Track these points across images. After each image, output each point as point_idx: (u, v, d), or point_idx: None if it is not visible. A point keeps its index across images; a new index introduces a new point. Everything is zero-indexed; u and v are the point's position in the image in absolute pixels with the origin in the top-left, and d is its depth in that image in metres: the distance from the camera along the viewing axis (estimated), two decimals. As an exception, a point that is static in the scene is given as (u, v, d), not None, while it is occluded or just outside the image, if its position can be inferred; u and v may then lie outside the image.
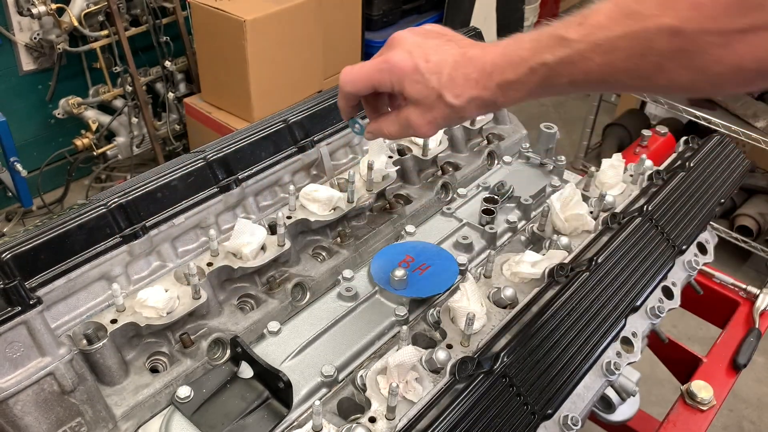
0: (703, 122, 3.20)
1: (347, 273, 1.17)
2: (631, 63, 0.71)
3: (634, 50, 0.70)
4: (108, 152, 3.40)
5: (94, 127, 3.35)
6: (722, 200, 1.44)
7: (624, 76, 0.73)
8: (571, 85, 0.78)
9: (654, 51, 0.69)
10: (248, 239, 1.07)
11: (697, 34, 0.65)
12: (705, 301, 1.62)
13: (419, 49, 0.87)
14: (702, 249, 1.44)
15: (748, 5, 0.63)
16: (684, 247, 1.30)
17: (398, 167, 1.35)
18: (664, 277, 1.27)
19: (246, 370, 0.98)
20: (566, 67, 0.76)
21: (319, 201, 1.18)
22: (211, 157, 1.11)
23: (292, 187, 1.18)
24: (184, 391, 0.93)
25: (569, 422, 1.01)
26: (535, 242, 1.32)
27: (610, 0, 0.73)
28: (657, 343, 1.52)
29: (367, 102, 0.96)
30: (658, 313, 1.25)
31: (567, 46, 0.75)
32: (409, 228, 1.29)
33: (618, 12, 0.71)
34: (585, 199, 1.35)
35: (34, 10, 2.87)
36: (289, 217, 1.16)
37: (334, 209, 1.20)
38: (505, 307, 1.10)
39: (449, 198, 1.42)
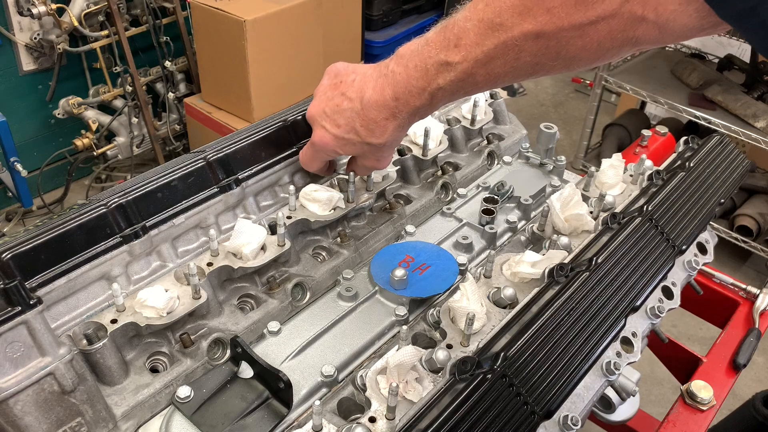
0: (703, 122, 3.20)
1: (347, 273, 1.17)
2: (509, 67, 0.83)
3: (508, 56, 0.81)
4: (108, 152, 3.40)
5: (94, 127, 3.35)
6: (722, 200, 1.44)
7: (508, 77, 0.85)
8: (468, 93, 0.95)
9: (525, 53, 0.80)
10: (248, 239, 1.07)
11: (556, 32, 0.75)
12: (705, 301, 1.62)
13: (329, 119, 1.05)
14: (702, 249, 1.44)
15: (592, 1, 0.72)
16: (684, 247, 1.30)
17: (398, 167, 1.35)
18: (664, 277, 1.27)
19: (246, 370, 0.98)
20: (458, 85, 0.90)
21: (319, 201, 1.18)
22: (211, 157, 1.11)
23: (292, 187, 1.18)
24: (184, 391, 0.93)
25: (569, 422, 1.01)
26: (535, 242, 1.32)
27: (472, 17, 0.83)
28: (657, 343, 1.52)
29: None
30: (658, 313, 1.25)
31: (453, 68, 0.88)
32: (409, 228, 1.29)
33: (484, 27, 0.81)
34: (585, 199, 1.35)
35: (34, 10, 2.87)
36: (289, 217, 1.16)
37: (334, 209, 1.20)
38: (505, 307, 1.10)
39: (449, 198, 1.42)
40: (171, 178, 1.06)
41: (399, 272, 1.11)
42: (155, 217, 1.03)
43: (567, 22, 0.74)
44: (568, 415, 1.02)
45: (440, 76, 0.90)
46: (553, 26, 0.75)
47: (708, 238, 1.48)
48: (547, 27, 0.75)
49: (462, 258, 1.20)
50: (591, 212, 1.29)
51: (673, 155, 1.52)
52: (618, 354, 1.16)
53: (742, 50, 3.57)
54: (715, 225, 3.22)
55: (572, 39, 0.75)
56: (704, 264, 1.43)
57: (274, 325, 1.06)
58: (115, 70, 3.27)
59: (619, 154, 1.43)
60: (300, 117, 1.24)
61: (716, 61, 3.64)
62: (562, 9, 0.74)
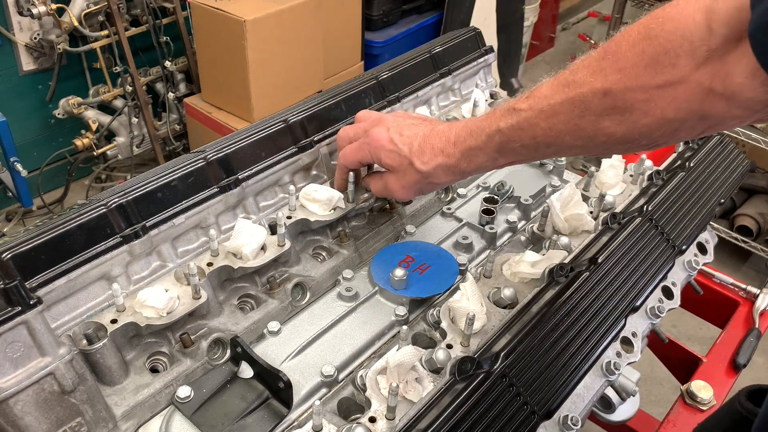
0: (703, 122, 3.20)
1: (347, 273, 1.17)
2: (572, 124, 0.82)
3: (573, 112, 0.81)
4: (108, 152, 3.40)
5: (94, 127, 3.35)
6: (722, 200, 1.44)
7: (568, 136, 0.84)
8: (524, 149, 0.91)
9: (590, 111, 0.80)
10: (248, 239, 1.07)
11: (623, 92, 0.76)
12: (705, 301, 1.62)
13: (396, 126, 1.06)
14: (702, 249, 1.44)
15: (661, 64, 0.72)
16: (684, 247, 1.30)
17: (398, 167, 1.35)
18: (664, 277, 1.27)
19: (246, 370, 0.98)
20: (517, 133, 0.90)
21: (319, 201, 1.18)
22: (211, 157, 1.11)
23: (292, 187, 1.18)
24: (184, 391, 0.93)
25: (569, 422, 1.01)
26: (535, 242, 1.32)
27: (551, 76, 0.86)
28: (657, 343, 1.52)
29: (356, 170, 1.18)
30: (658, 313, 1.25)
31: (517, 114, 0.89)
32: (409, 228, 1.29)
33: (557, 83, 0.84)
34: (585, 199, 1.35)
35: (34, 10, 2.87)
36: (289, 217, 1.16)
37: (334, 209, 1.20)
38: (505, 307, 1.10)
39: (449, 198, 1.42)
40: (171, 178, 1.06)
41: (399, 272, 1.11)
42: (155, 217, 1.03)
43: (635, 83, 0.74)
44: (568, 415, 1.02)
45: (503, 119, 0.91)
46: (622, 85, 0.75)
47: (708, 238, 1.48)
48: (616, 85, 0.76)
49: (462, 258, 1.20)
50: (591, 212, 1.29)
51: (673, 155, 1.52)
52: (618, 354, 1.16)
53: (742, 50, 3.56)
54: (715, 225, 3.22)
55: (638, 102, 0.75)
56: (704, 264, 1.43)
57: (274, 325, 1.06)
58: (115, 70, 3.27)
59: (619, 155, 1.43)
60: (300, 117, 1.24)
61: (716, 61, 3.64)
62: (633, 69, 0.74)
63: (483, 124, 0.94)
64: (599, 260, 1.14)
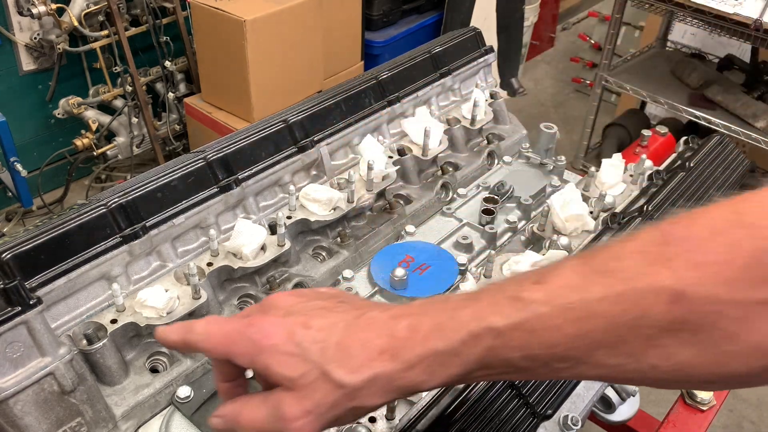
0: (703, 122, 3.20)
1: (347, 273, 1.17)
2: (614, 335, 0.53)
3: (619, 318, 0.52)
4: (108, 152, 3.40)
5: (94, 127, 3.35)
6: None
7: (602, 353, 0.54)
8: (527, 361, 0.57)
9: (648, 319, 0.52)
10: (248, 239, 1.07)
11: (705, 302, 0.50)
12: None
13: (300, 315, 0.62)
14: (702, 249, 1.44)
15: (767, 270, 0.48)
16: (684, 247, 1.30)
17: (398, 167, 1.35)
18: (664, 277, 1.27)
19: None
20: (522, 336, 0.56)
21: (319, 201, 1.18)
22: (211, 157, 1.11)
23: (292, 187, 1.18)
24: (184, 391, 0.93)
25: (569, 422, 1.01)
26: (535, 242, 1.32)
27: (572, 259, 0.58)
28: (657, 343, 1.51)
29: (221, 368, 0.69)
30: (658, 313, 1.24)
31: (525, 308, 0.56)
32: (409, 228, 1.29)
33: (588, 270, 0.55)
34: (585, 199, 1.35)
35: (34, 10, 2.87)
36: (289, 217, 1.16)
37: (334, 209, 1.20)
38: (505, 307, 1.10)
39: (449, 198, 1.42)
40: (171, 178, 1.06)
41: (399, 272, 1.10)
42: (155, 217, 1.03)
43: (726, 293, 0.49)
44: (568, 415, 1.01)
45: (499, 311, 0.57)
46: (703, 291, 0.50)
47: (708, 238, 1.48)
48: (693, 289, 0.50)
49: (462, 258, 1.20)
50: (591, 212, 1.29)
51: (673, 155, 1.52)
52: (618, 354, 1.16)
53: (743, 50, 3.57)
54: (715, 225, 3.20)
55: (724, 320, 0.50)
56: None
57: (274, 325, 1.06)
58: (115, 70, 3.27)
59: (619, 154, 1.43)
60: (300, 117, 1.24)
61: (716, 61, 3.64)
62: (720, 269, 0.49)
63: (461, 316, 0.58)
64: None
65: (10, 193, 3.06)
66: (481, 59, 1.61)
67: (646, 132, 2.43)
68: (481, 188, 1.43)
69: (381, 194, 1.32)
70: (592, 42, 4.66)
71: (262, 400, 0.62)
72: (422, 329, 0.58)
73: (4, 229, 3.25)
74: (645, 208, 1.27)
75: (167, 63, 3.36)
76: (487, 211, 1.32)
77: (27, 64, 3.16)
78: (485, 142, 1.57)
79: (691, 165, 1.43)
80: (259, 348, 0.61)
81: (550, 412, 0.98)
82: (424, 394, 0.92)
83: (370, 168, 1.25)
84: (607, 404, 1.32)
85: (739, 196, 0.53)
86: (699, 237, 0.51)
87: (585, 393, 1.08)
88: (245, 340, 0.62)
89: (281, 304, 0.65)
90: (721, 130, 3.06)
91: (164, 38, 3.31)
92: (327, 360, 0.59)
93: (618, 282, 0.53)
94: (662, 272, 0.51)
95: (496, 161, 1.55)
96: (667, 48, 3.86)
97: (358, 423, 0.89)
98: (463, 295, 0.61)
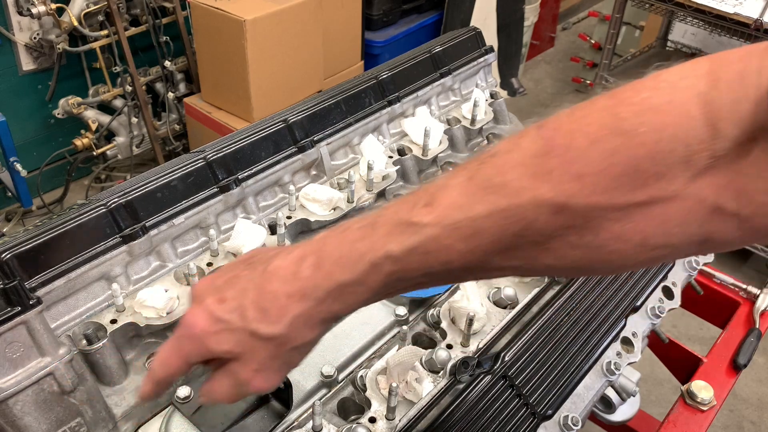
0: (703, 122, 3.20)
1: (347, 273, 1.17)
2: (504, 243, 0.57)
3: (506, 230, 0.55)
4: (108, 152, 3.40)
5: (93, 127, 3.34)
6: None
7: (497, 258, 0.58)
8: (430, 277, 0.62)
9: (533, 230, 0.55)
10: (248, 239, 1.07)
11: (586, 210, 0.53)
12: (705, 301, 1.62)
13: (213, 294, 0.68)
14: (702, 249, 1.44)
15: (643, 173, 0.51)
16: (684, 247, 1.30)
17: (398, 167, 1.35)
18: (665, 277, 1.27)
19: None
20: (419, 259, 0.60)
21: (319, 201, 1.18)
22: (211, 157, 1.11)
23: (292, 187, 1.18)
24: (184, 391, 0.93)
25: (569, 422, 1.01)
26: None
27: (456, 176, 0.59)
28: (657, 343, 1.52)
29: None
30: (658, 313, 1.25)
31: (416, 232, 0.59)
32: (409, 228, 1.28)
33: (474, 187, 0.57)
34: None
35: (34, 10, 2.87)
36: (289, 217, 1.16)
37: (334, 209, 1.20)
38: (505, 307, 1.10)
39: (449, 198, 1.41)
40: (171, 178, 1.06)
41: (399, 272, 1.10)
42: (155, 217, 1.03)
43: (604, 199, 0.52)
44: (568, 416, 1.01)
45: (394, 238, 0.60)
46: (583, 200, 0.52)
47: (708, 238, 1.47)
48: (574, 199, 0.52)
49: (462, 258, 1.20)
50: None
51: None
52: (618, 354, 1.16)
53: (742, 50, 3.56)
54: (715, 225, 3.21)
55: (607, 223, 0.53)
56: (705, 264, 1.43)
57: (274, 325, 1.06)
58: (115, 69, 3.27)
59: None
60: (300, 117, 1.24)
61: (716, 61, 3.64)
62: (599, 179, 0.52)
63: (359, 247, 0.62)
64: (599, 260, 1.14)
65: (10, 193, 3.06)
66: (481, 59, 1.61)
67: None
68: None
69: (381, 194, 1.31)
70: (593, 42, 4.66)
71: (222, 373, 0.69)
72: (325, 266, 0.63)
73: (4, 229, 3.25)
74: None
75: (167, 63, 3.36)
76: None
77: (27, 63, 3.16)
78: (485, 142, 1.57)
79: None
80: (194, 340, 0.67)
81: (550, 412, 0.98)
82: (424, 393, 0.93)
83: (370, 168, 1.25)
84: (607, 404, 1.32)
85: (620, 92, 0.54)
86: (578, 147, 0.53)
87: (585, 393, 1.08)
88: (183, 343, 0.68)
89: (198, 292, 0.70)
90: (721, 130, 3.05)
91: (164, 38, 3.30)
92: (248, 322, 0.65)
93: (501, 198, 0.55)
94: (543, 186, 0.53)
95: (496, 161, 1.54)
96: (667, 48, 3.87)
97: (358, 423, 0.89)
98: (360, 221, 0.64)
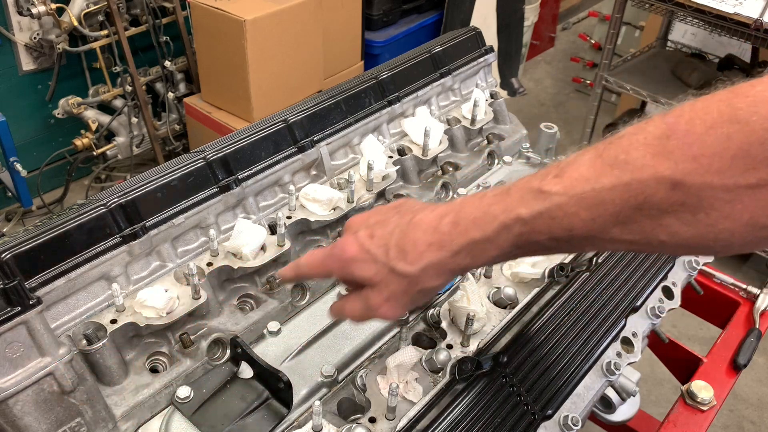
0: (703, 122, 3.20)
1: (347, 273, 1.17)
2: (624, 216, 0.63)
3: (627, 202, 0.62)
4: (108, 152, 3.40)
5: (93, 127, 3.34)
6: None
7: (616, 229, 0.65)
8: (554, 242, 0.69)
9: (650, 204, 0.61)
10: (248, 239, 1.07)
11: (699, 188, 0.58)
12: (705, 301, 1.62)
13: (365, 228, 0.82)
14: (702, 249, 1.44)
15: (755, 158, 0.56)
16: (684, 247, 1.30)
17: (398, 167, 1.35)
18: (665, 277, 1.27)
19: (246, 370, 0.98)
20: (546, 223, 0.68)
21: (319, 201, 1.18)
22: (211, 157, 1.11)
23: (292, 187, 1.18)
24: (184, 391, 0.93)
25: (569, 422, 1.01)
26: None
27: (586, 153, 0.66)
28: (657, 343, 1.52)
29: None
30: (658, 313, 1.25)
31: (545, 199, 0.67)
32: (409, 228, 1.28)
33: (601, 162, 0.64)
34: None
35: (34, 10, 2.87)
36: (289, 217, 1.16)
37: (334, 209, 1.20)
38: (505, 307, 1.10)
39: (449, 198, 1.42)
40: (171, 178, 1.06)
41: (399, 272, 1.10)
42: (155, 217, 1.03)
43: (717, 179, 0.57)
44: (568, 416, 1.01)
45: (524, 204, 0.69)
46: (698, 179, 0.58)
47: (708, 238, 1.47)
48: (690, 178, 0.58)
49: (462, 258, 1.20)
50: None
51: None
52: (618, 354, 1.16)
53: (743, 50, 3.57)
54: (715, 225, 3.20)
55: (718, 202, 0.58)
56: (705, 264, 1.43)
57: (273, 325, 1.06)
58: (115, 69, 3.27)
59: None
60: (300, 117, 1.24)
61: (716, 61, 3.64)
62: (714, 160, 0.57)
63: (494, 210, 0.71)
64: (599, 260, 1.14)
65: (10, 193, 3.06)
66: (481, 59, 1.61)
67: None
68: (481, 188, 1.43)
69: (381, 194, 1.31)
70: (593, 42, 4.66)
71: (356, 296, 0.83)
72: (462, 224, 0.73)
73: (4, 229, 3.25)
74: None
75: (167, 63, 3.36)
76: (487, 211, 1.32)
77: (27, 63, 3.16)
78: (485, 142, 1.57)
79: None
80: (343, 261, 0.81)
81: (550, 412, 0.98)
82: (424, 393, 0.93)
83: (370, 168, 1.25)
84: (607, 404, 1.32)
85: (737, 88, 0.60)
86: (697, 132, 0.59)
87: (585, 393, 1.08)
88: (333, 259, 0.82)
89: (353, 225, 0.85)
90: (721, 130, 3.05)
91: (164, 38, 3.30)
92: (390, 258, 0.77)
93: (625, 173, 0.62)
94: (663, 164, 0.59)
95: (496, 161, 1.55)
96: (667, 48, 3.86)
97: (358, 423, 0.89)
98: (496, 189, 0.73)
